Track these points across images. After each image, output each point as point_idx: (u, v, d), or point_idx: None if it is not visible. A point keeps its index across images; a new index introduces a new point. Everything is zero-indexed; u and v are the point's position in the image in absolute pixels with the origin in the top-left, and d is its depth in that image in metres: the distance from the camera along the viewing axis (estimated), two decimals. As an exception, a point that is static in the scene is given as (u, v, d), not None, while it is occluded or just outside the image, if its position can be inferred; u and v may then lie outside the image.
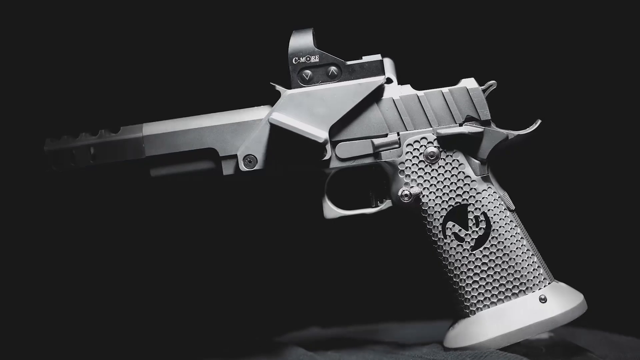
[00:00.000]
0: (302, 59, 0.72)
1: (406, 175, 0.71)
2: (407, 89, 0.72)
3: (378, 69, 0.72)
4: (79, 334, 0.93)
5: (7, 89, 0.92)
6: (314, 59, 0.72)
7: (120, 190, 0.88)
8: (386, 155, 0.72)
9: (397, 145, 0.71)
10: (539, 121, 0.72)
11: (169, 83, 0.95)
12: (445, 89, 0.71)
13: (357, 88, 0.71)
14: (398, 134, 0.71)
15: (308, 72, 0.71)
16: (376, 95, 0.71)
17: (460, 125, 0.71)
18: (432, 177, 0.71)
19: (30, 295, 0.94)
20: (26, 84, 0.93)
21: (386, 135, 0.72)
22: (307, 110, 0.71)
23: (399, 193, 0.71)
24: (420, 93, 0.72)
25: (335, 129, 0.71)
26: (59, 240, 0.95)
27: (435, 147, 0.71)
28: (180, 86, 0.95)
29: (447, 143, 0.71)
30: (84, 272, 0.96)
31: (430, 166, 0.71)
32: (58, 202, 0.92)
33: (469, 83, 0.71)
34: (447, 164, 0.71)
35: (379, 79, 0.71)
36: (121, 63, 0.95)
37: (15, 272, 0.93)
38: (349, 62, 0.72)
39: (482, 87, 0.72)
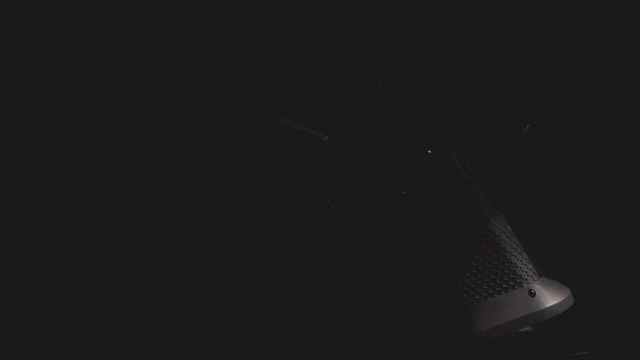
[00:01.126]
0: (304, 65, 0.74)
1: (402, 176, 0.74)
2: (404, 94, 0.74)
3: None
4: (79, 334, 0.92)
5: (6, 89, 0.92)
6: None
7: (119, 190, 0.89)
8: (384, 157, 0.74)
9: (394, 147, 0.74)
10: (530, 124, 0.74)
11: (168, 83, 0.95)
12: (441, 94, 0.74)
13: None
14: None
15: (310, 76, 0.74)
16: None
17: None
18: (427, 178, 0.73)
19: (30, 295, 0.94)
20: (26, 84, 0.93)
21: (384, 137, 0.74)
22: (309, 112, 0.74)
23: (396, 192, 0.73)
24: (417, 98, 0.74)
25: (336, 131, 0.74)
26: (58, 240, 0.95)
27: (430, 149, 0.73)
28: (179, 86, 0.95)
29: (442, 145, 0.73)
30: (84, 273, 0.95)
31: (425, 167, 0.73)
32: (57, 202, 0.92)
33: (464, 88, 0.74)
34: (441, 164, 0.73)
35: (376, 84, 0.74)
36: (121, 63, 0.95)
37: (15, 272, 0.94)
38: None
39: (475, 92, 0.74)
